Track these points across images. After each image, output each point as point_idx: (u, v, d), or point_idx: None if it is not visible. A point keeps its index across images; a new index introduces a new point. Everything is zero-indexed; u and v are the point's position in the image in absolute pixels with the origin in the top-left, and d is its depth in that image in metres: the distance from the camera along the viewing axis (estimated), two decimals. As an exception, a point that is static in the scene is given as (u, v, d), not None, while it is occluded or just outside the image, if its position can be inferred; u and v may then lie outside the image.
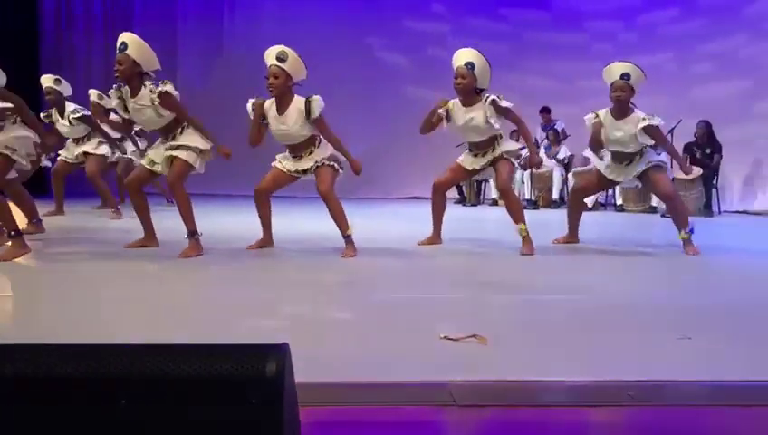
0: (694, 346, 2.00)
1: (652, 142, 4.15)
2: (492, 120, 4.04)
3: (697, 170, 7.79)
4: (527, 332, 2.20)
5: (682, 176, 7.73)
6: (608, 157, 4.39)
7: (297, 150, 3.94)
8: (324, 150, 3.92)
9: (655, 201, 7.75)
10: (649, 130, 4.04)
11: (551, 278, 3.38)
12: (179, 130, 3.80)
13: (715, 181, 7.97)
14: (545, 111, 9.50)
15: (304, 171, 3.95)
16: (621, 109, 4.10)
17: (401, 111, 10.32)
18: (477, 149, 4.25)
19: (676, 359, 1.89)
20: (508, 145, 4.24)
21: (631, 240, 5.15)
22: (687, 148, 8.17)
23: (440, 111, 4.20)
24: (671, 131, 8.01)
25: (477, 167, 4.29)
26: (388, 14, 10.47)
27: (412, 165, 10.00)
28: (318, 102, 3.77)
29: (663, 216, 6.95)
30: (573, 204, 4.71)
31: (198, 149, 3.77)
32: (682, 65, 9.43)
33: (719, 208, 8.10)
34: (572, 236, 4.62)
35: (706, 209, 7.68)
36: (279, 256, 3.96)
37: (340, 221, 3.91)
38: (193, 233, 3.78)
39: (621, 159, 4.25)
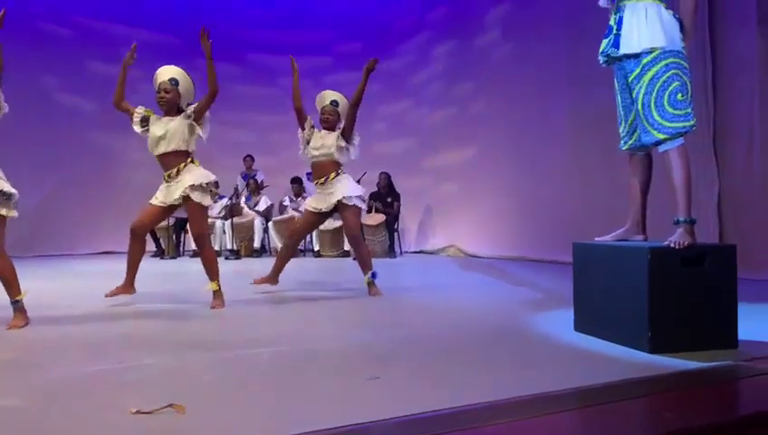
0: (383, 385, 2.16)
1: (346, 152, 4.65)
2: (187, 136, 3.97)
3: (381, 217, 8.67)
4: (226, 392, 2.13)
5: (369, 222, 8.55)
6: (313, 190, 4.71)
7: None
8: None
9: (347, 246, 8.38)
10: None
11: (250, 331, 3.34)
12: None
13: (396, 226, 8.95)
14: (249, 157, 9.66)
15: None
16: (329, 130, 4.67)
17: (85, 157, 9.47)
18: (167, 166, 3.99)
19: (367, 400, 2.01)
20: (199, 176, 3.96)
21: (327, 284, 5.45)
22: (372, 197, 9.06)
23: (138, 111, 4.06)
24: (358, 182, 8.80)
25: (170, 201, 4.00)
26: (66, 53, 9.61)
27: (101, 215, 9.20)
28: None
29: (354, 259, 7.53)
30: (288, 248, 4.85)
31: None
32: (365, 123, 10.46)
33: (401, 250, 9.10)
34: (274, 277, 4.73)
35: (390, 252, 8.57)
36: None
37: (9, 284, 3.36)
38: None
39: (320, 173, 4.61)
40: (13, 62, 9.36)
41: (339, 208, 4.62)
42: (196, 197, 3.93)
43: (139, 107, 4.09)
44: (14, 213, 3.29)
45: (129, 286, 4.13)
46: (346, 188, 4.60)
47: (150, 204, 4.08)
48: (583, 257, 3.07)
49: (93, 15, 9.77)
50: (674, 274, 2.62)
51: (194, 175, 3.96)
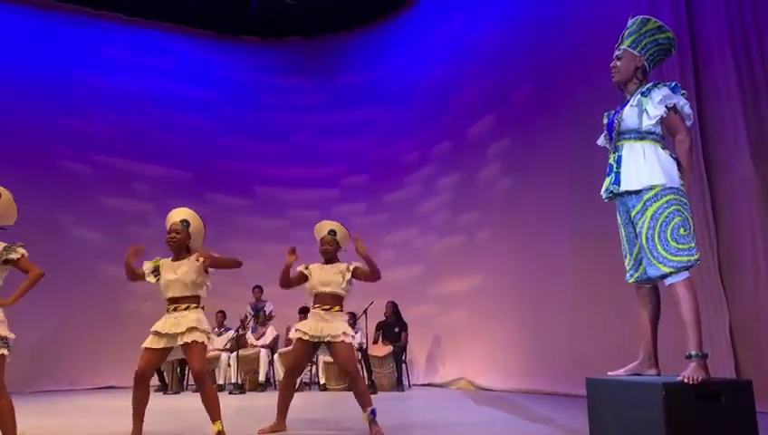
0: None
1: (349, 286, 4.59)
2: (196, 278, 4.01)
3: (388, 348, 8.51)
4: None
5: (376, 353, 8.39)
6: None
7: None
8: None
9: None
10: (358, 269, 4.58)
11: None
12: None
13: (403, 357, 8.75)
14: (258, 288, 9.70)
15: None
16: (329, 260, 4.64)
17: (93, 290, 9.53)
18: (173, 303, 4.04)
19: None
20: (202, 321, 4.04)
21: (330, 421, 5.25)
22: (379, 326, 8.96)
23: (146, 268, 4.12)
24: (365, 312, 8.76)
25: (172, 332, 3.96)
26: (81, 188, 9.99)
27: (105, 349, 9.10)
28: None
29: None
30: (288, 388, 4.62)
31: None
32: (371, 251, 10.61)
33: (409, 383, 8.84)
34: (280, 423, 4.53)
35: (399, 385, 8.32)
36: None
37: (5, 428, 3.27)
38: None
39: (324, 303, 4.49)
40: (31, 197, 9.71)
41: (327, 345, 4.48)
42: (196, 336, 3.96)
43: (145, 263, 4.14)
44: (5, 350, 3.32)
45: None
46: (339, 325, 4.48)
47: (148, 348, 4.01)
48: (597, 393, 3.00)
49: (108, 152, 10.25)
50: (690, 410, 2.55)
51: (197, 316, 4.02)
